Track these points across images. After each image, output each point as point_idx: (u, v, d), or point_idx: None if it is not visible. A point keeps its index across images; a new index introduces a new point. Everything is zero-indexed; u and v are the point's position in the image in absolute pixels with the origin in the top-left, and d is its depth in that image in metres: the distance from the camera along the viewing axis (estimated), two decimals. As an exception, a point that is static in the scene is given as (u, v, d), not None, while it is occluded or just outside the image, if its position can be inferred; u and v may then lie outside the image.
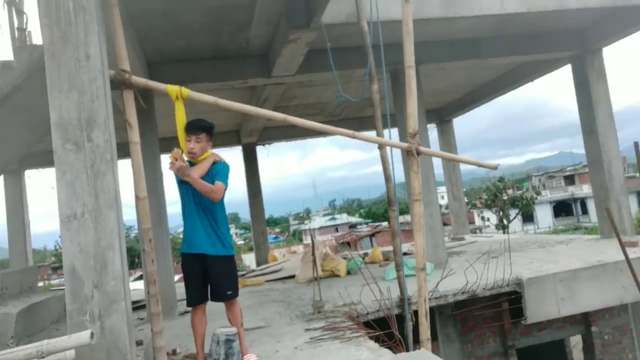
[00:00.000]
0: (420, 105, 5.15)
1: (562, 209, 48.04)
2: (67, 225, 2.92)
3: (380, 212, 57.88)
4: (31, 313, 3.64)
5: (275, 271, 10.06)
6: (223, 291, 3.88)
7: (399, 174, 6.85)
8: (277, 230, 75.18)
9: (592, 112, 8.69)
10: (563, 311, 6.38)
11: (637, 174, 40.64)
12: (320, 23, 5.75)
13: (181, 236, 4.00)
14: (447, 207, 17.73)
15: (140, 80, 3.62)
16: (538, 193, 39.98)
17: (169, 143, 6.41)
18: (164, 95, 3.68)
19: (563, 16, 7.62)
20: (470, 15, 7.00)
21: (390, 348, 4.43)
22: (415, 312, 4.34)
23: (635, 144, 9.36)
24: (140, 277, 16.94)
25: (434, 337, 5.71)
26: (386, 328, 4.97)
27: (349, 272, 8.58)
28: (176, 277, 8.14)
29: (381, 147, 5.20)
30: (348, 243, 23.07)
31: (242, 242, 55.23)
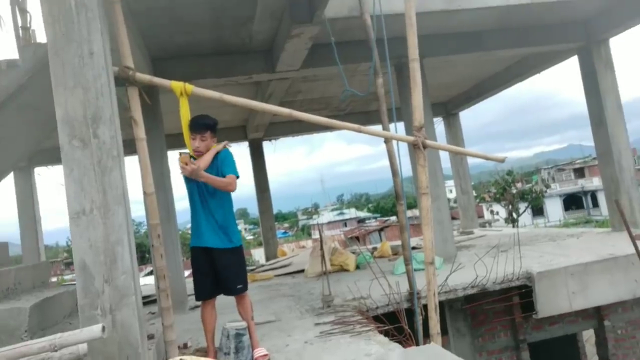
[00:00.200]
0: (425, 98, 5.11)
1: (572, 202, 47.69)
2: (76, 222, 2.94)
3: (389, 207, 57.82)
4: (44, 307, 3.68)
5: (285, 266, 10.10)
6: (233, 285, 3.92)
7: (406, 168, 6.84)
8: (286, 225, 75.43)
9: (600, 103, 8.57)
10: (574, 305, 6.27)
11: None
12: (323, 17, 5.74)
13: (190, 232, 4.05)
14: (455, 201, 17.67)
15: (145, 77, 3.63)
16: (547, 186, 39.67)
17: (176, 139, 6.47)
18: (168, 91, 3.69)
19: (567, 7, 7.53)
20: (473, 7, 6.94)
21: (400, 342, 4.41)
22: (425, 306, 4.32)
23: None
24: (151, 273, 17.04)
25: (444, 331, 5.68)
26: (396, 322, 4.96)
27: (358, 267, 8.59)
28: (186, 273, 8.18)
29: (387, 141, 5.18)
30: (357, 237, 23.08)
31: (251, 237, 55.48)
